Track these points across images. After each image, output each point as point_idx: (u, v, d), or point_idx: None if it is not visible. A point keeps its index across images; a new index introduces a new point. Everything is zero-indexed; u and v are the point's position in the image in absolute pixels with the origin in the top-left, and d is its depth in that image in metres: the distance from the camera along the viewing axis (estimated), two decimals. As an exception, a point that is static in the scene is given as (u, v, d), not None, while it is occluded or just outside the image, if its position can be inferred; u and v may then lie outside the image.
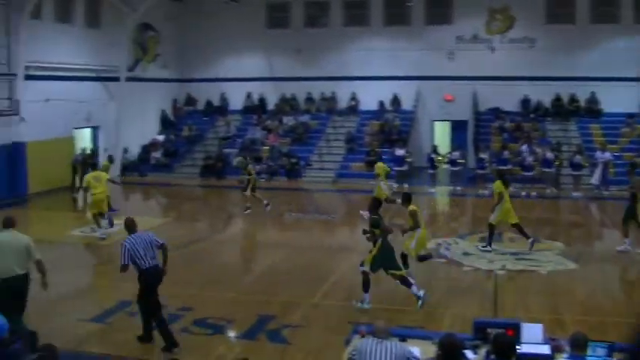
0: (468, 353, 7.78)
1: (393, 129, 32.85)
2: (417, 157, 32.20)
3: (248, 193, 22.71)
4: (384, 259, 13.13)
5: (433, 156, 29.75)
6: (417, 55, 33.82)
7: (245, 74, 36.74)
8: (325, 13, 36.02)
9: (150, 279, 11.20)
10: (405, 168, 29.49)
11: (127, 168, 33.14)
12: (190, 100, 38.47)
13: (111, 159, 24.19)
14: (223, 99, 37.57)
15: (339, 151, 32.60)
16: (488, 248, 17.42)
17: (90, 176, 19.76)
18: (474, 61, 33.36)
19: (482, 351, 8.06)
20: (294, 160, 31.27)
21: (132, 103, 33.27)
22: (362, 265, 13.24)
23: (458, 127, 33.88)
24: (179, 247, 18.42)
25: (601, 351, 7.65)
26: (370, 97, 34.80)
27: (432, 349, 7.81)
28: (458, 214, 24.48)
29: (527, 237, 17.46)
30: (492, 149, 30.57)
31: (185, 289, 14.42)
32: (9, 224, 11.25)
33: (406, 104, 34.70)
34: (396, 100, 34.77)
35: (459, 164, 30.02)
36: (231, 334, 11.90)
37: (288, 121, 35.06)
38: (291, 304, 13.33)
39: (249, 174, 22.98)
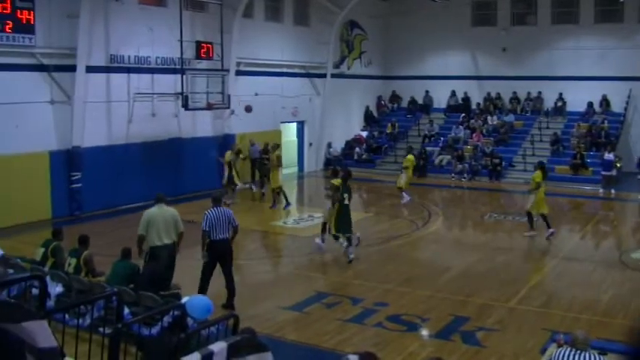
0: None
1: (602, 132, 31.51)
2: (626, 162, 30.70)
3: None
4: (342, 223, 16.33)
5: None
6: (630, 54, 32.06)
7: (449, 72, 36.59)
8: (532, 11, 35.11)
9: (215, 249, 12.69)
10: (613, 173, 28.12)
11: (330, 162, 33.95)
12: (394, 97, 38.79)
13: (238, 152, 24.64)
14: (427, 97, 37.58)
15: (544, 153, 31.63)
16: (533, 233, 19.35)
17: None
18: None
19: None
20: (496, 161, 30.72)
21: (337, 99, 34.11)
22: (329, 231, 16.81)
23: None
24: (379, 242, 18.73)
25: None
26: (578, 97, 33.47)
27: (633, 366, 7.46)
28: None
29: (549, 227, 19.02)
30: None
31: (382, 284, 14.65)
32: (160, 200, 12.89)
33: (616, 106, 33.13)
34: (605, 102, 33.32)
35: (672, 171, 28.31)
36: (425, 332, 11.95)
37: (493, 120, 34.53)
38: (486, 306, 13.20)
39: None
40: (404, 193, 24.82)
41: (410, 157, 25.71)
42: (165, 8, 24.79)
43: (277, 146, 24.60)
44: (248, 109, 25.72)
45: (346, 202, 16.46)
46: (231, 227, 12.87)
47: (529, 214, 19.45)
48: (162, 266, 11.80)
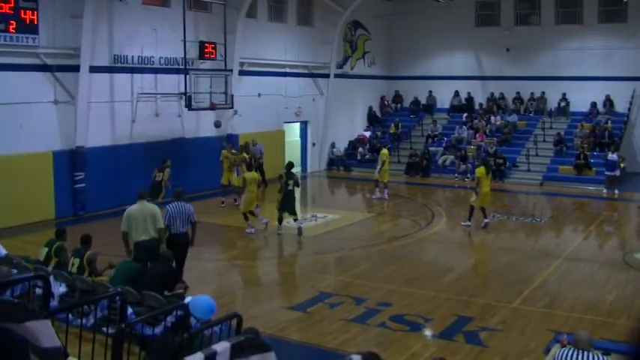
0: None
1: (605, 132, 31.46)
2: (630, 162, 30.65)
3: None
4: (288, 205, 19.06)
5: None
6: (634, 54, 32.02)
7: (453, 72, 36.60)
8: (536, 11, 35.08)
9: (175, 242, 13.34)
10: (617, 173, 27.89)
11: (333, 162, 33.98)
12: (398, 98, 38.78)
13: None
14: (431, 97, 37.56)
15: (547, 153, 31.63)
16: (468, 223, 20.58)
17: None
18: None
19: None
20: (500, 161, 30.67)
21: (340, 100, 34.13)
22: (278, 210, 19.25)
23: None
24: (382, 242, 18.72)
25: None
26: (582, 98, 33.45)
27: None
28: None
29: (485, 217, 20.62)
30: None
31: (385, 284, 14.65)
32: (141, 196, 13.32)
33: (620, 106, 33.09)
34: (609, 102, 33.28)
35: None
36: (429, 332, 11.94)
37: (496, 120, 34.50)
38: (490, 306, 13.19)
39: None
40: (377, 189, 25.88)
41: (384, 151, 26.45)
42: (168, 8, 24.80)
43: (245, 147, 24.92)
44: (217, 124, 25.55)
45: (290, 187, 19.02)
46: (189, 222, 13.57)
47: (472, 207, 20.59)
48: (169, 266, 11.81)
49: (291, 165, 20.04)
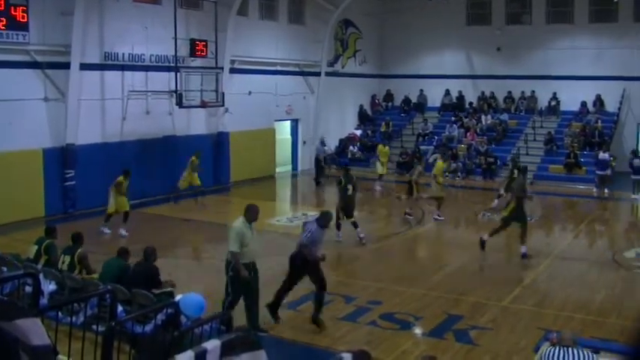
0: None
1: (595, 131, 31.52)
2: (619, 162, 30.67)
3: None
4: (348, 209, 18.59)
5: (635, 161, 27.81)
6: (624, 54, 32.11)
7: (444, 71, 36.62)
8: (527, 10, 35.14)
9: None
10: (608, 172, 27.77)
11: (324, 161, 33.89)
12: (389, 96, 38.79)
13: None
14: (422, 95, 37.58)
15: (538, 152, 31.71)
16: None
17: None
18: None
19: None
20: (491, 160, 30.75)
21: (331, 98, 34.12)
22: (339, 218, 18.29)
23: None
24: (372, 241, 18.70)
25: None
26: (572, 97, 33.53)
27: (625, 365, 7.49)
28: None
29: None
30: None
31: (375, 283, 14.67)
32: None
33: (610, 106, 33.18)
34: (599, 101, 33.35)
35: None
36: (419, 330, 11.95)
37: (487, 119, 34.55)
38: (480, 305, 13.21)
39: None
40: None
41: (381, 147, 29.68)
42: (159, 6, 24.74)
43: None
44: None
45: (350, 193, 18.61)
46: None
47: None
48: (153, 265, 11.77)
49: (347, 168, 20.48)
